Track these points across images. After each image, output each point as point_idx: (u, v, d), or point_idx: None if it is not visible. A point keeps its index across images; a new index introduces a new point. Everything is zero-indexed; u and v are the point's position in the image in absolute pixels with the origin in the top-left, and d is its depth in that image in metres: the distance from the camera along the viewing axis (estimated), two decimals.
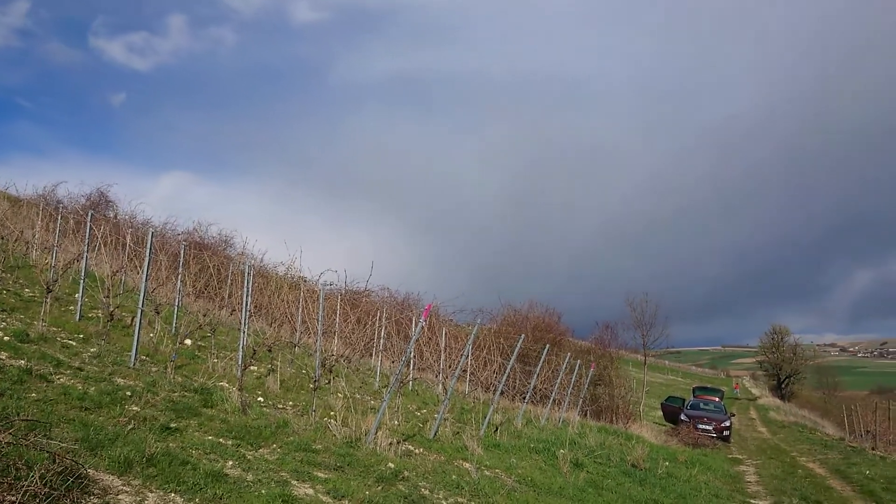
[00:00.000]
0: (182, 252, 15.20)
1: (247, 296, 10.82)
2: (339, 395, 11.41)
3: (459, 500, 7.44)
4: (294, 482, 6.28)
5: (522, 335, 14.46)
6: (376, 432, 8.22)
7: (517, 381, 18.82)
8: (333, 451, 7.58)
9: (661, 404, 31.23)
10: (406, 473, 7.63)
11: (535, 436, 13.85)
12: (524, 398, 18.09)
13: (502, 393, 19.45)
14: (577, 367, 18.04)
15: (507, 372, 12.49)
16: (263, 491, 5.68)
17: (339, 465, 7.20)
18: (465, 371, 18.60)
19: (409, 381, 17.08)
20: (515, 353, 12.40)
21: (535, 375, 14.69)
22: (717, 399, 31.81)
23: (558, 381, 16.43)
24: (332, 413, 9.45)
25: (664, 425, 28.79)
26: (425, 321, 8.69)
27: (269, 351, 10.69)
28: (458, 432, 11.23)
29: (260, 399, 9.73)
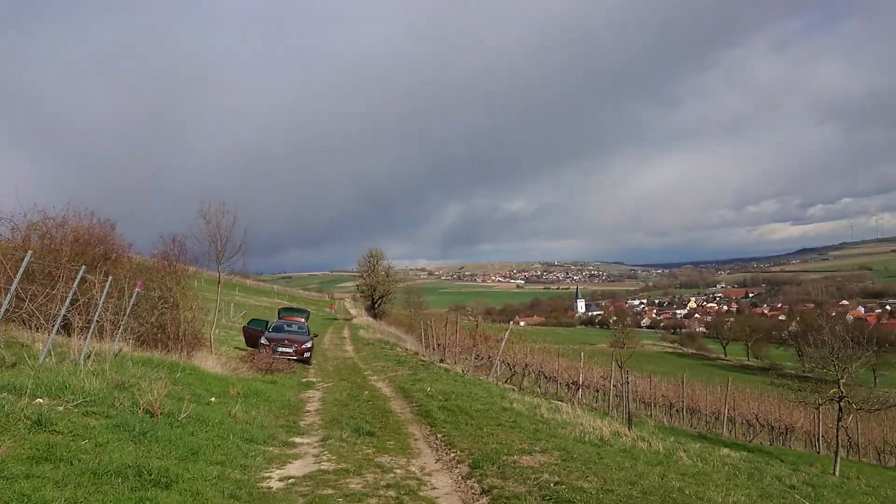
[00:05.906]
0: None
1: None
2: None
3: None
4: None
5: None
6: None
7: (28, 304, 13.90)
8: None
9: (243, 328, 28.57)
10: None
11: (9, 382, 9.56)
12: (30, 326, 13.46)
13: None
14: (108, 284, 13.87)
15: None
16: None
17: None
18: None
19: None
20: None
21: (9, 296, 10.24)
22: (302, 320, 30.31)
23: (67, 303, 12.14)
24: None
25: (245, 351, 26.18)
26: None
27: None
28: None
29: None
